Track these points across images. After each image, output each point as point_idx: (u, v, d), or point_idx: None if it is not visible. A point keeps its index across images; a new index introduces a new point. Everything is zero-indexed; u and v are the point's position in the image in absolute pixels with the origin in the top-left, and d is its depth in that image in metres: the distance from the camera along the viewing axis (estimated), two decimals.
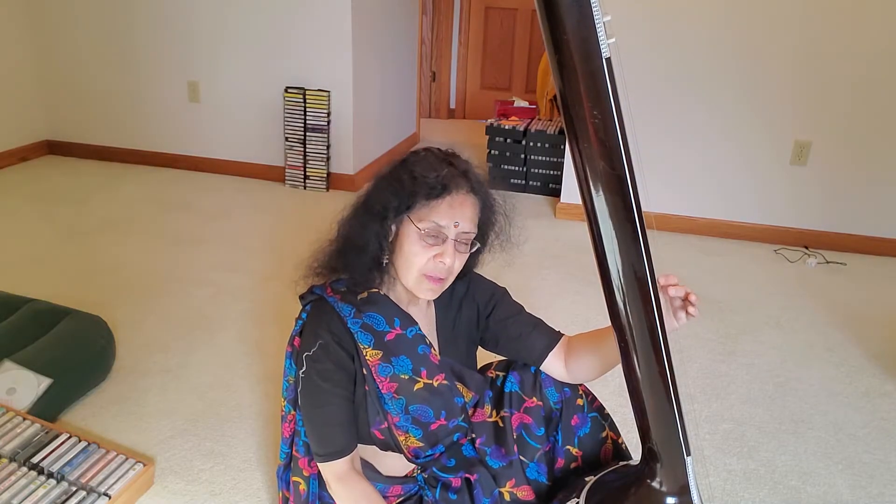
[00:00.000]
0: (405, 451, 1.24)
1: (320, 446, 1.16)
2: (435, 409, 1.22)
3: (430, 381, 1.22)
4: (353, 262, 1.16)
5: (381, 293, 1.22)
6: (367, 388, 1.20)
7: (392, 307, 1.22)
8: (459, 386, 1.26)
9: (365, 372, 1.19)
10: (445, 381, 1.23)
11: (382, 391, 1.19)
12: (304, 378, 1.18)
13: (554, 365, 1.27)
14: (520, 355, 1.31)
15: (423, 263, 1.13)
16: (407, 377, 1.21)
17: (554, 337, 1.28)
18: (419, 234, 1.12)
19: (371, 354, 1.19)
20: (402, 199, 1.11)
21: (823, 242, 3.17)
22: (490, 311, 1.30)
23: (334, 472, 1.16)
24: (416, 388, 1.21)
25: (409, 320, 1.22)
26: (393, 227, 1.14)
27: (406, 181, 1.11)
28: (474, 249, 1.19)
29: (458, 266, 1.17)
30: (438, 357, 1.24)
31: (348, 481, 1.16)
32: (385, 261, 1.16)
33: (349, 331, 1.19)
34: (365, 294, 1.19)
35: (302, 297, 1.29)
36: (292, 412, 1.28)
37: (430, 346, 1.24)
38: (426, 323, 1.27)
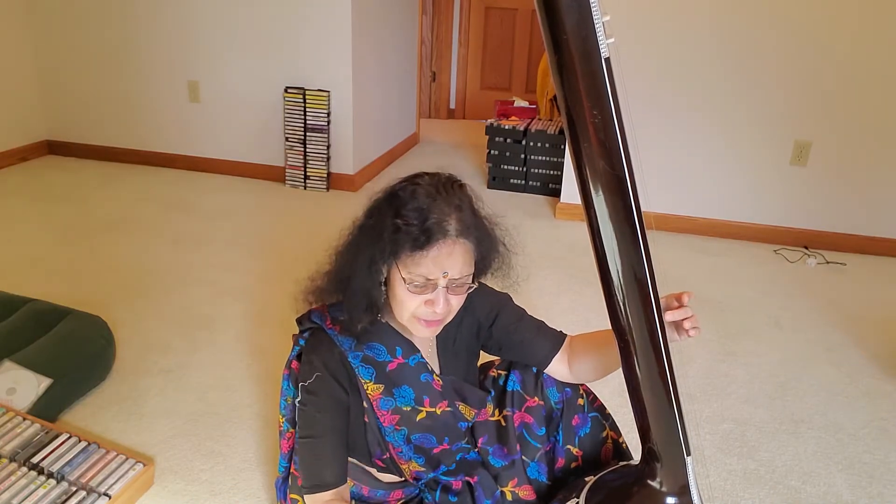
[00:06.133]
0: (408, 475, 1.24)
1: (308, 478, 1.15)
2: (438, 436, 1.22)
3: (433, 410, 1.21)
4: (349, 300, 1.12)
5: (382, 321, 1.19)
6: (366, 419, 1.18)
7: (393, 335, 1.19)
8: (461, 406, 1.24)
9: (366, 405, 1.18)
10: (448, 408, 1.22)
11: (384, 424, 1.18)
12: (299, 407, 1.16)
13: (557, 368, 1.27)
14: (523, 360, 1.30)
15: (413, 308, 1.09)
16: (409, 408, 1.19)
17: (557, 341, 1.28)
18: (405, 286, 1.07)
19: (372, 389, 1.17)
20: (387, 248, 1.05)
21: (823, 242, 3.17)
22: (492, 321, 1.27)
23: (319, 500, 1.14)
24: (418, 419, 1.20)
25: (411, 348, 1.20)
26: (384, 269, 1.09)
27: (388, 229, 1.05)
28: (470, 290, 1.12)
29: (457, 305, 1.11)
30: (441, 382, 1.22)
31: None
32: (381, 299, 1.12)
33: (349, 365, 1.17)
34: (366, 322, 1.15)
35: (300, 322, 1.26)
36: (291, 430, 1.27)
37: (432, 372, 1.22)
38: (426, 344, 1.24)
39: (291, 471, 1.29)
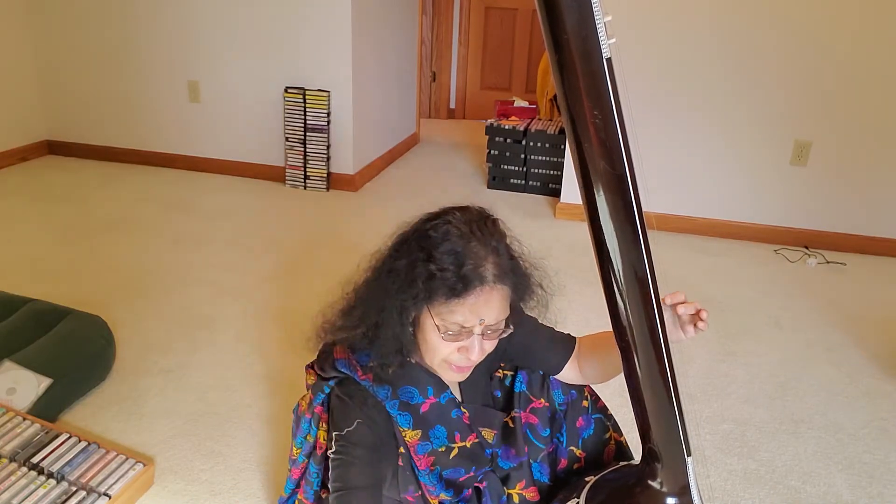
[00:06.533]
0: None
1: None
2: (466, 467, 1.21)
3: (464, 444, 1.20)
4: (376, 348, 1.08)
5: (412, 361, 1.15)
6: (401, 463, 1.17)
7: (423, 374, 1.16)
8: (485, 433, 1.24)
9: (402, 450, 1.16)
10: (476, 440, 1.21)
11: (420, 468, 1.17)
12: (334, 458, 1.11)
13: (568, 373, 1.27)
14: (535, 368, 1.30)
15: (446, 354, 1.05)
16: (444, 448, 1.18)
17: (569, 347, 1.27)
18: (439, 334, 1.03)
19: (410, 436, 1.15)
20: (420, 294, 1.00)
21: (823, 242, 3.17)
22: (508, 338, 1.25)
23: None
24: (451, 456, 1.19)
25: (441, 386, 1.18)
26: (413, 314, 1.04)
27: (421, 275, 0.99)
28: (505, 335, 1.08)
29: (489, 349, 1.08)
30: (468, 414, 1.21)
31: None
32: (413, 342, 1.08)
33: (388, 414, 1.14)
34: (396, 366, 1.11)
35: (322, 368, 1.20)
36: (305, 462, 1.24)
37: (460, 405, 1.20)
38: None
39: (299, 496, 1.27)
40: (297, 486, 1.29)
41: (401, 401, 1.14)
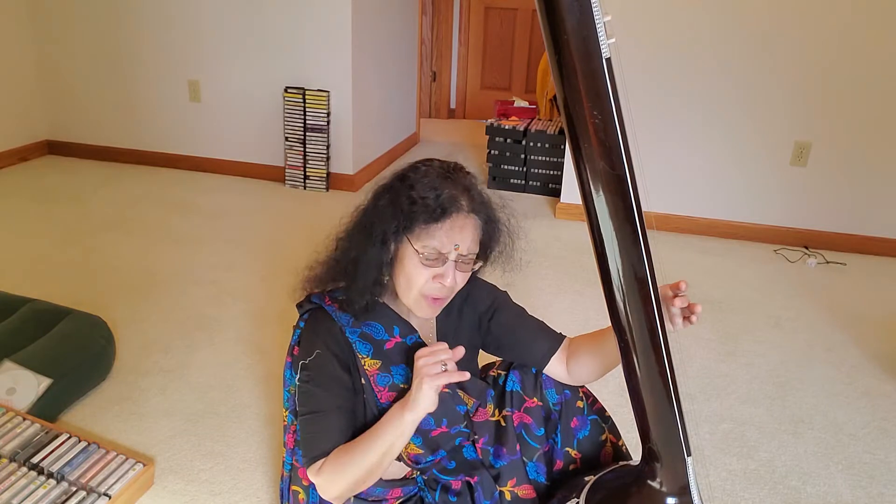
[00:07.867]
0: (405, 457, 1.24)
1: (308, 449, 1.14)
2: (436, 417, 1.21)
3: None
4: (353, 280, 1.15)
5: (382, 301, 1.21)
6: (365, 396, 1.19)
7: (392, 315, 1.22)
8: (461, 393, 1.24)
9: (363, 381, 1.19)
10: (447, 390, 1.22)
11: (381, 401, 1.19)
12: (299, 385, 1.17)
13: (556, 368, 1.27)
14: (522, 359, 1.30)
15: (422, 284, 1.12)
16: (406, 387, 1.19)
17: (556, 341, 1.28)
18: (418, 257, 1.11)
19: (370, 364, 1.18)
20: (401, 221, 1.10)
21: (823, 242, 3.17)
22: (491, 315, 1.29)
23: (317, 469, 1.13)
24: None
25: (408, 328, 1.22)
26: (392, 247, 1.13)
27: (404, 203, 1.10)
28: (476, 268, 1.18)
29: (460, 284, 1.15)
30: None
31: (326, 465, 1.12)
32: (385, 278, 1.16)
33: (347, 340, 1.18)
34: (364, 303, 1.18)
35: (299, 306, 1.28)
36: (294, 422, 1.26)
37: None
38: (427, 331, 1.26)
39: (293, 462, 1.28)
40: (292, 456, 1.29)
41: (362, 331, 1.20)
